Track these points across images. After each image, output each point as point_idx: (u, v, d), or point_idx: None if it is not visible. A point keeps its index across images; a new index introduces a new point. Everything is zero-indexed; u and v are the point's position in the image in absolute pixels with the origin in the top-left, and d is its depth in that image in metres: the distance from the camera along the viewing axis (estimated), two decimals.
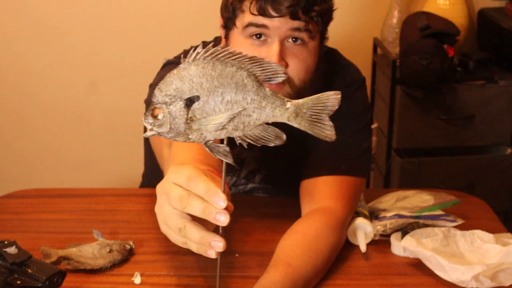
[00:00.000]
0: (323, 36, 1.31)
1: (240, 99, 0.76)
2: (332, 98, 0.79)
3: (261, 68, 0.77)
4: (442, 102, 2.39)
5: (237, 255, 1.27)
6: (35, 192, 1.55)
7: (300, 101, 0.79)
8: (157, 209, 0.86)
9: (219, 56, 0.76)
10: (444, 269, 1.17)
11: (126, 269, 1.23)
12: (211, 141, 0.78)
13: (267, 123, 0.79)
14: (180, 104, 0.76)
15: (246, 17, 1.23)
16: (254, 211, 1.42)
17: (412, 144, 2.47)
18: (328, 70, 1.41)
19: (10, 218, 1.42)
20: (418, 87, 2.33)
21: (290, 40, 1.25)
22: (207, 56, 0.76)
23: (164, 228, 0.85)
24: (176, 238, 0.84)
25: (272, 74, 0.78)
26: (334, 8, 1.30)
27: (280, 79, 0.78)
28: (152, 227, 1.37)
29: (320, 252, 1.19)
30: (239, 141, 0.79)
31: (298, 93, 1.25)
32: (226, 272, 1.21)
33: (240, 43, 1.26)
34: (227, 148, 0.78)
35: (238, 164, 1.44)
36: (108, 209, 1.46)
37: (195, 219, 0.83)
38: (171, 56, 1.48)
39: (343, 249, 1.28)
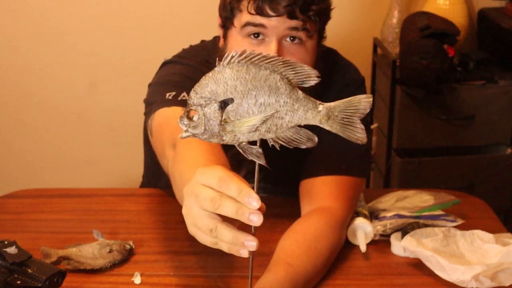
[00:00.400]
0: (321, 35, 1.32)
1: (273, 102, 0.78)
2: (364, 101, 0.80)
3: (294, 72, 0.79)
4: (442, 102, 2.39)
5: None
6: (35, 192, 1.55)
7: (332, 104, 0.80)
8: (185, 211, 0.86)
9: (253, 59, 0.77)
10: (444, 269, 1.17)
11: (126, 269, 1.23)
12: (244, 143, 0.80)
13: (299, 126, 0.80)
14: (215, 106, 0.77)
15: (244, 16, 1.24)
16: None
17: (412, 144, 2.47)
18: (327, 70, 1.40)
19: (10, 218, 1.42)
20: (418, 87, 2.33)
21: (288, 39, 1.25)
22: (241, 60, 0.77)
23: (193, 230, 0.85)
24: (206, 239, 0.84)
25: (305, 77, 0.79)
26: (332, 7, 1.30)
27: (312, 82, 0.79)
28: (152, 227, 1.37)
29: (320, 252, 1.19)
30: (271, 143, 0.80)
31: None
32: (226, 272, 1.21)
33: (238, 42, 1.26)
34: (260, 150, 0.80)
35: (237, 164, 1.44)
36: (108, 209, 1.46)
37: (224, 219, 0.83)
38: (171, 56, 1.48)
39: (343, 249, 1.28)
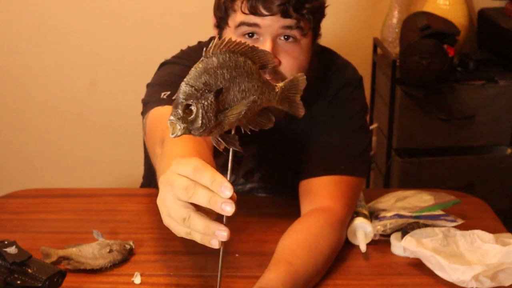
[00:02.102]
0: (315, 33, 1.31)
1: (250, 87, 0.79)
2: (300, 80, 0.85)
3: (257, 57, 0.81)
4: (442, 102, 2.39)
5: (237, 255, 1.27)
6: (35, 192, 1.55)
7: (281, 84, 0.84)
8: (159, 201, 0.86)
9: (231, 47, 0.79)
10: (444, 269, 1.17)
11: (126, 269, 1.23)
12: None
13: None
14: (211, 97, 0.77)
15: (238, 16, 1.24)
16: (254, 211, 1.42)
17: (412, 144, 2.47)
18: (325, 69, 1.40)
19: (10, 218, 1.42)
20: (418, 87, 2.33)
21: (282, 37, 1.25)
22: (222, 48, 0.78)
23: (167, 220, 0.86)
24: (179, 229, 0.84)
25: (265, 61, 0.82)
26: (326, 4, 1.30)
27: (270, 66, 0.82)
28: (152, 227, 1.37)
29: (320, 251, 1.19)
30: (243, 129, 0.81)
31: None
32: (226, 272, 1.21)
33: None
34: (236, 136, 0.80)
35: (237, 160, 1.44)
36: (108, 209, 1.46)
37: (198, 210, 0.83)
38: (170, 56, 1.48)
39: (343, 249, 1.28)
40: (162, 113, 1.26)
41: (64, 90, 2.67)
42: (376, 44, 2.60)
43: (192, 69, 0.78)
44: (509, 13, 2.51)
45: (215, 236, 0.81)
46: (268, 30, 1.23)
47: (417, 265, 1.23)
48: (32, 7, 2.56)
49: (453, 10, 2.50)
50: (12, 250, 1.04)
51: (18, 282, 1.02)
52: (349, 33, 2.65)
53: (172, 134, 0.76)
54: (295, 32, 1.24)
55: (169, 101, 1.28)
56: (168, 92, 1.30)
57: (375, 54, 2.63)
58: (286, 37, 1.25)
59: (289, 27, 1.23)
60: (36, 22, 2.58)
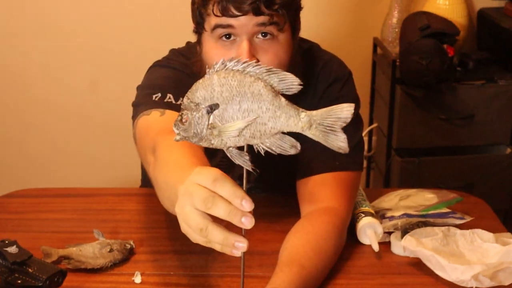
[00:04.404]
0: (294, 27, 1.30)
1: (256, 108, 0.80)
2: (346, 110, 0.80)
3: (278, 79, 0.81)
4: (442, 102, 2.39)
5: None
6: (35, 192, 1.55)
7: (314, 112, 0.81)
8: (178, 209, 0.87)
9: (239, 67, 0.80)
10: (444, 268, 1.17)
11: (126, 268, 1.23)
12: (231, 148, 0.82)
13: (283, 133, 0.82)
14: (202, 111, 0.81)
15: (212, 19, 1.23)
16: (254, 211, 1.41)
17: (412, 144, 2.47)
18: (312, 67, 1.39)
19: (10, 218, 1.42)
20: (418, 87, 2.33)
21: (260, 35, 1.24)
22: (229, 67, 0.80)
23: (185, 228, 0.86)
24: (197, 238, 0.85)
25: (288, 85, 0.81)
26: None
27: (295, 90, 0.81)
28: (152, 226, 1.38)
29: (328, 254, 1.20)
30: (257, 149, 0.82)
31: None
32: (226, 271, 1.21)
33: (211, 45, 1.26)
34: (247, 155, 0.82)
35: (228, 166, 1.44)
36: (108, 209, 1.46)
37: (214, 219, 0.84)
38: None
39: (344, 249, 1.28)
40: (150, 121, 1.26)
41: (65, 89, 2.67)
42: (376, 44, 2.61)
43: (196, 82, 0.82)
44: (509, 13, 2.51)
45: (234, 247, 0.81)
46: (243, 30, 1.22)
47: (417, 264, 1.23)
48: (32, 7, 2.56)
49: (453, 10, 2.51)
50: (12, 249, 1.05)
51: (19, 281, 1.02)
52: (349, 33, 2.65)
53: (174, 139, 0.83)
54: (270, 28, 1.23)
55: (160, 103, 1.29)
56: (159, 95, 1.30)
57: (375, 54, 2.63)
58: (263, 34, 1.24)
59: (263, 24, 1.22)
60: (37, 22, 2.58)
